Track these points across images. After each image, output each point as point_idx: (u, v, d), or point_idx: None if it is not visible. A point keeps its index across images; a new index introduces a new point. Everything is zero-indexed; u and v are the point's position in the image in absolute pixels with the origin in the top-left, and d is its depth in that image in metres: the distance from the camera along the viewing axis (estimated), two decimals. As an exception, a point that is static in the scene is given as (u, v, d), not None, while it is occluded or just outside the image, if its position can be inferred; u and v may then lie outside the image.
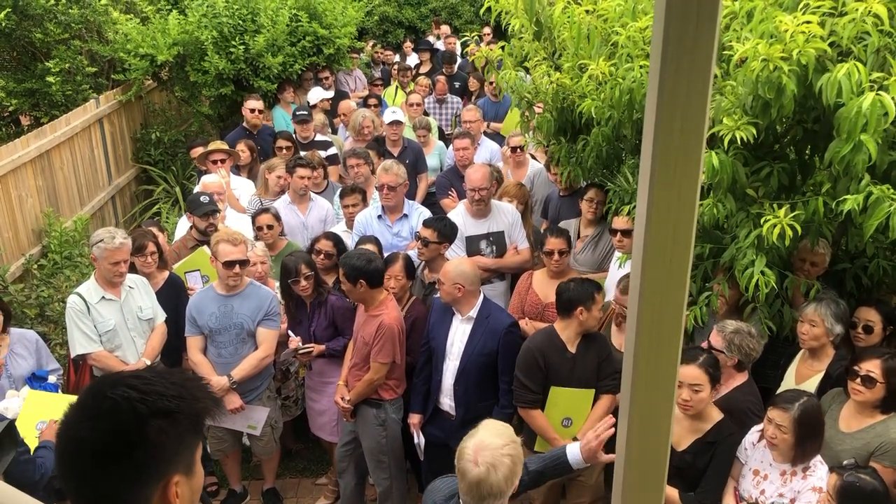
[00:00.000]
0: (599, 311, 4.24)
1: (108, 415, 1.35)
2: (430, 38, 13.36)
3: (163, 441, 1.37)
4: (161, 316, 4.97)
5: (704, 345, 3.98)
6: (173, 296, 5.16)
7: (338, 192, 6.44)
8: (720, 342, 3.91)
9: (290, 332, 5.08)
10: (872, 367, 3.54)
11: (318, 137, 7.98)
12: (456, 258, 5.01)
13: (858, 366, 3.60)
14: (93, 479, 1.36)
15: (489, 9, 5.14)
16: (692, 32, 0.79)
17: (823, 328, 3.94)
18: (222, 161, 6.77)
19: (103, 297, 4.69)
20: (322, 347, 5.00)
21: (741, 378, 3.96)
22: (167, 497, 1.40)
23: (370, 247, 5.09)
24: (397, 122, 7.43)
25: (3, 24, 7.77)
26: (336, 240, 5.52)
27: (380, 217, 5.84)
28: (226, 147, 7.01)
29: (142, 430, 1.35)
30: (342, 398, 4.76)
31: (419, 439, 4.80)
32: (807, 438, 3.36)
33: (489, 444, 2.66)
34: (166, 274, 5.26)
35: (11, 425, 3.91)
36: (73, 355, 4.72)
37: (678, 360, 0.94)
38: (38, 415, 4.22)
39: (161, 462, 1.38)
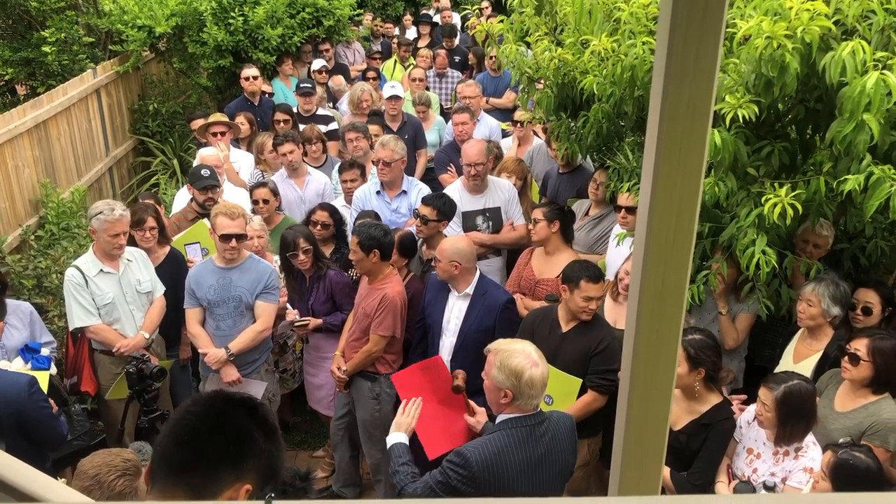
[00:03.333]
0: (585, 299, 4.10)
1: (241, 402, 1.65)
2: (430, 12, 13.23)
3: (259, 446, 1.61)
4: (160, 289, 4.96)
5: None
6: (173, 271, 5.14)
7: (336, 167, 6.41)
8: None
9: (288, 304, 5.08)
10: (860, 345, 3.59)
11: (320, 111, 7.93)
12: (452, 235, 5.00)
13: (849, 345, 3.65)
14: (199, 445, 1.59)
15: (491, -18, 5.09)
16: (700, 11, 0.78)
17: (820, 308, 3.95)
18: (222, 134, 6.72)
19: (101, 270, 4.68)
20: (319, 321, 5.01)
21: None
22: (235, 497, 1.62)
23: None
24: (396, 97, 7.38)
25: (-1, -7, 7.69)
26: (332, 210, 5.55)
27: (378, 193, 5.82)
28: (226, 119, 6.96)
29: (252, 426, 1.62)
30: (338, 368, 4.78)
31: (415, 414, 4.81)
32: (789, 419, 3.39)
33: (524, 347, 3.05)
34: (167, 249, 5.25)
35: None
36: (71, 328, 4.72)
37: (679, 339, 0.94)
38: None
39: (249, 462, 1.62)
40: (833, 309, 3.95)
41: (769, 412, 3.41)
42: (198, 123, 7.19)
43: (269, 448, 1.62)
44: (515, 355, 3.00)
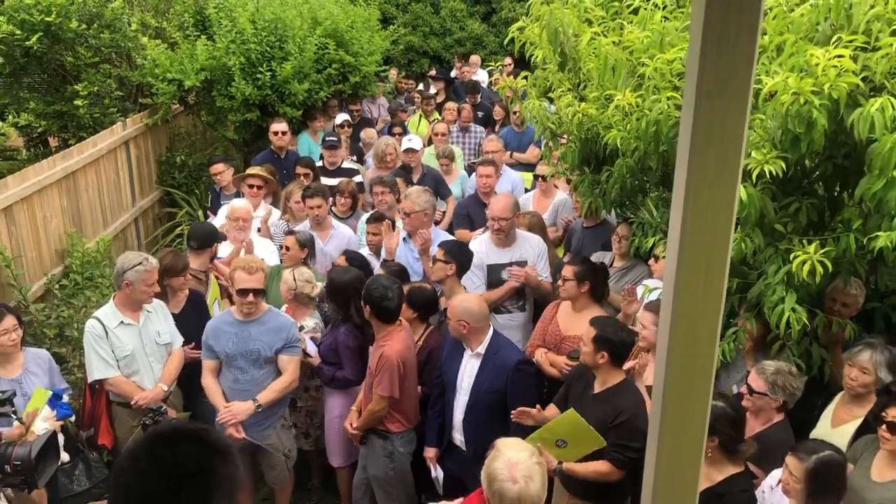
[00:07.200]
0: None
1: (186, 437, 1.58)
2: (454, 72, 13.38)
3: (221, 472, 1.57)
4: (178, 340, 4.96)
5: (744, 389, 3.86)
6: (196, 314, 5.18)
7: (364, 217, 6.45)
8: (762, 385, 3.78)
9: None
10: None
11: (345, 164, 8.01)
12: (464, 294, 4.93)
13: (885, 412, 3.44)
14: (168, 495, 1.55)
15: (513, 40, 5.14)
16: (727, 68, 0.75)
17: (875, 376, 3.78)
18: (258, 188, 6.80)
19: (122, 322, 4.69)
20: (317, 360, 5.02)
21: (779, 417, 3.86)
22: None
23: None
24: (412, 150, 7.54)
25: (36, 48, 7.88)
26: (349, 255, 5.66)
27: (405, 240, 5.88)
28: (265, 174, 6.99)
29: (208, 458, 1.56)
30: (350, 424, 4.73)
31: (437, 472, 4.71)
32: (819, 493, 3.22)
33: (519, 459, 2.84)
34: (187, 292, 5.28)
35: (54, 436, 4.00)
36: (90, 380, 4.71)
37: (710, 400, 0.89)
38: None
39: (218, 491, 1.57)
40: (888, 377, 3.79)
41: (798, 483, 3.25)
42: (218, 168, 7.37)
43: (220, 471, 1.58)
44: (499, 461, 2.86)
